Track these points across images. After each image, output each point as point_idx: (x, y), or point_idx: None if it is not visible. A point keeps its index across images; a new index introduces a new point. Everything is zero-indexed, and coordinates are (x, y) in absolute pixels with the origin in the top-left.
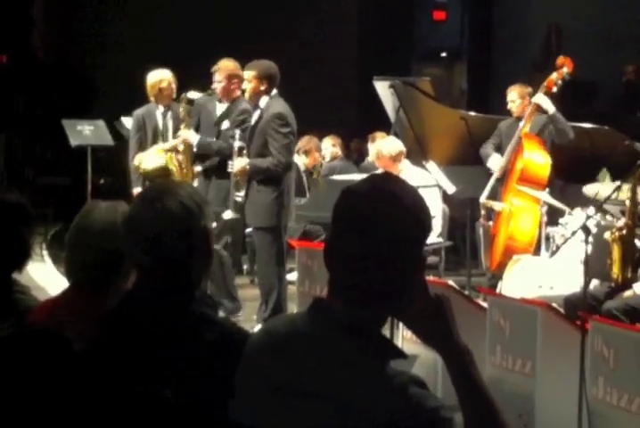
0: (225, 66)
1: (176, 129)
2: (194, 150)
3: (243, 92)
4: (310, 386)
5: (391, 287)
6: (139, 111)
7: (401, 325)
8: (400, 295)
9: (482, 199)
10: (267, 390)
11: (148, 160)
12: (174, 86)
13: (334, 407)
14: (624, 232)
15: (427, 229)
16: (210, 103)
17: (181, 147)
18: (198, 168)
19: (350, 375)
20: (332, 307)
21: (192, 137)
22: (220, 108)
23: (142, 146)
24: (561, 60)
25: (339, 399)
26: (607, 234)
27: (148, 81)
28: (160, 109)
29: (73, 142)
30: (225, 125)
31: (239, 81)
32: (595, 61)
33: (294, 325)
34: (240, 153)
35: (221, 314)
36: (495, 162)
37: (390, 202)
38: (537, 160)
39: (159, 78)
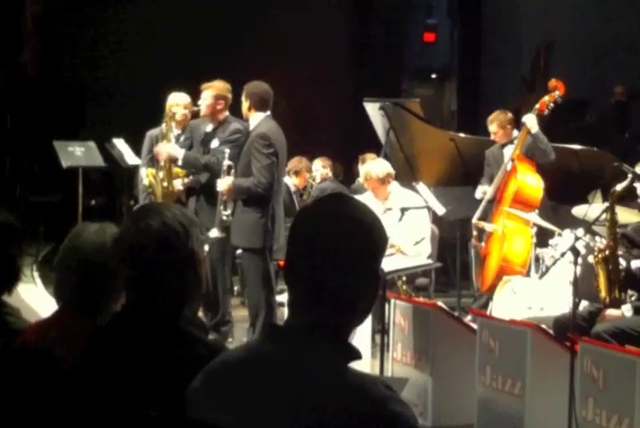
0: (217, 86)
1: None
2: (179, 164)
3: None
4: (269, 398)
5: (343, 299)
6: (153, 132)
7: (391, 346)
8: (354, 307)
9: (474, 220)
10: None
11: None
12: (189, 111)
13: (295, 414)
14: (607, 253)
15: (378, 247)
16: (203, 125)
17: (162, 160)
18: (179, 187)
19: (309, 381)
20: (287, 323)
21: (177, 152)
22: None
23: (154, 166)
24: (553, 83)
25: (299, 405)
26: (590, 258)
27: (167, 102)
28: (175, 131)
29: (65, 163)
30: (215, 143)
31: (225, 103)
32: (585, 80)
33: (249, 348)
34: (228, 172)
35: (211, 337)
36: (480, 191)
37: (342, 221)
38: (531, 182)
39: (175, 101)
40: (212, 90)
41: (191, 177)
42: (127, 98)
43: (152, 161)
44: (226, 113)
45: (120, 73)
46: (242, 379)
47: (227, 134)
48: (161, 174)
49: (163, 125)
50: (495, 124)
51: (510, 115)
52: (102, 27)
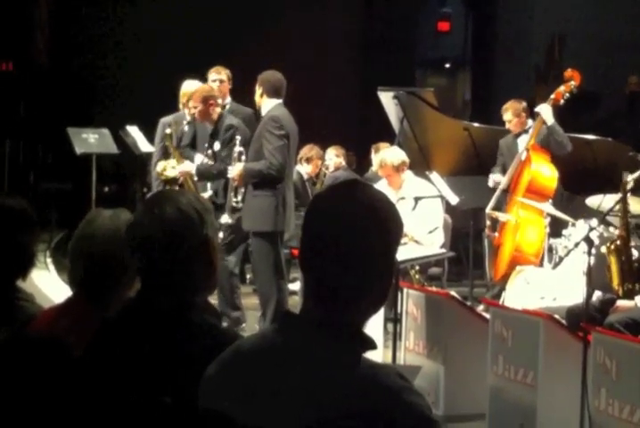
0: (199, 90)
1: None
2: (195, 179)
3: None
4: (284, 387)
5: (359, 289)
6: (166, 119)
7: (404, 336)
8: (369, 297)
9: (488, 209)
10: (239, 402)
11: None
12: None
13: (310, 403)
14: (619, 243)
15: (394, 236)
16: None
17: (181, 179)
18: (206, 195)
19: (323, 371)
20: (302, 311)
21: (190, 168)
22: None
23: (167, 154)
24: (569, 73)
25: (314, 394)
26: (603, 248)
27: (181, 89)
28: (188, 118)
29: (78, 150)
30: (217, 146)
31: (215, 101)
32: (598, 72)
33: (264, 337)
34: (239, 158)
35: (225, 324)
36: (492, 179)
37: (357, 209)
38: (545, 172)
39: (190, 88)
40: (197, 95)
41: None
42: (139, 86)
43: (166, 152)
44: (218, 110)
45: (133, 60)
46: (255, 368)
47: (222, 133)
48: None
49: (167, 143)
50: (509, 112)
51: (524, 104)
52: (112, 18)
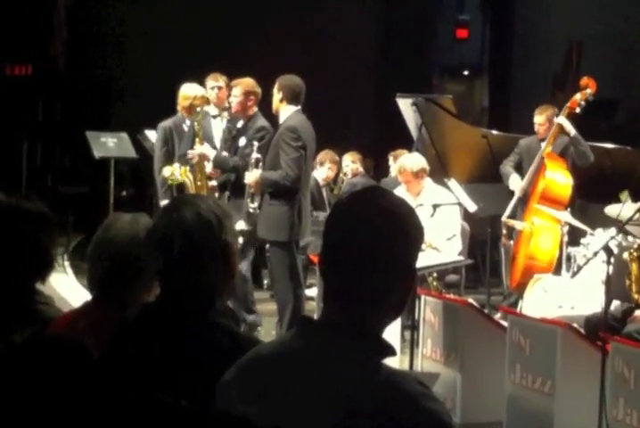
0: (246, 82)
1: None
2: (210, 165)
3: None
4: (302, 392)
5: (377, 294)
6: (166, 123)
7: (421, 343)
8: (387, 301)
9: (504, 218)
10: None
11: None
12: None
13: (328, 407)
14: None
15: (414, 241)
16: (205, 118)
17: (195, 161)
18: (213, 183)
19: (342, 376)
20: (321, 317)
21: (209, 152)
22: (215, 124)
23: (170, 159)
24: (585, 81)
25: (332, 399)
26: (626, 255)
27: (181, 93)
28: (188, 122)
29: (97, 154)
30: (242, 142)
31: (255, 98)
32: (616, 78)
33: (283, 342)
34: (256, 165)
35: (242, 329)
36: (515, 183)
37: (377, 214)
38: (559, 179)
39: (193, 93)
40: (242, 86)
41: (214, 181)
42: (152, 90)
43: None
44: (255, 109)
45: (146, 66)
46: (273, 373)
47: (252, 132)
48: (194, 171)
49: (195, 123)
50: (544, 116)
51: (557, 110)
52: (125, 21)
